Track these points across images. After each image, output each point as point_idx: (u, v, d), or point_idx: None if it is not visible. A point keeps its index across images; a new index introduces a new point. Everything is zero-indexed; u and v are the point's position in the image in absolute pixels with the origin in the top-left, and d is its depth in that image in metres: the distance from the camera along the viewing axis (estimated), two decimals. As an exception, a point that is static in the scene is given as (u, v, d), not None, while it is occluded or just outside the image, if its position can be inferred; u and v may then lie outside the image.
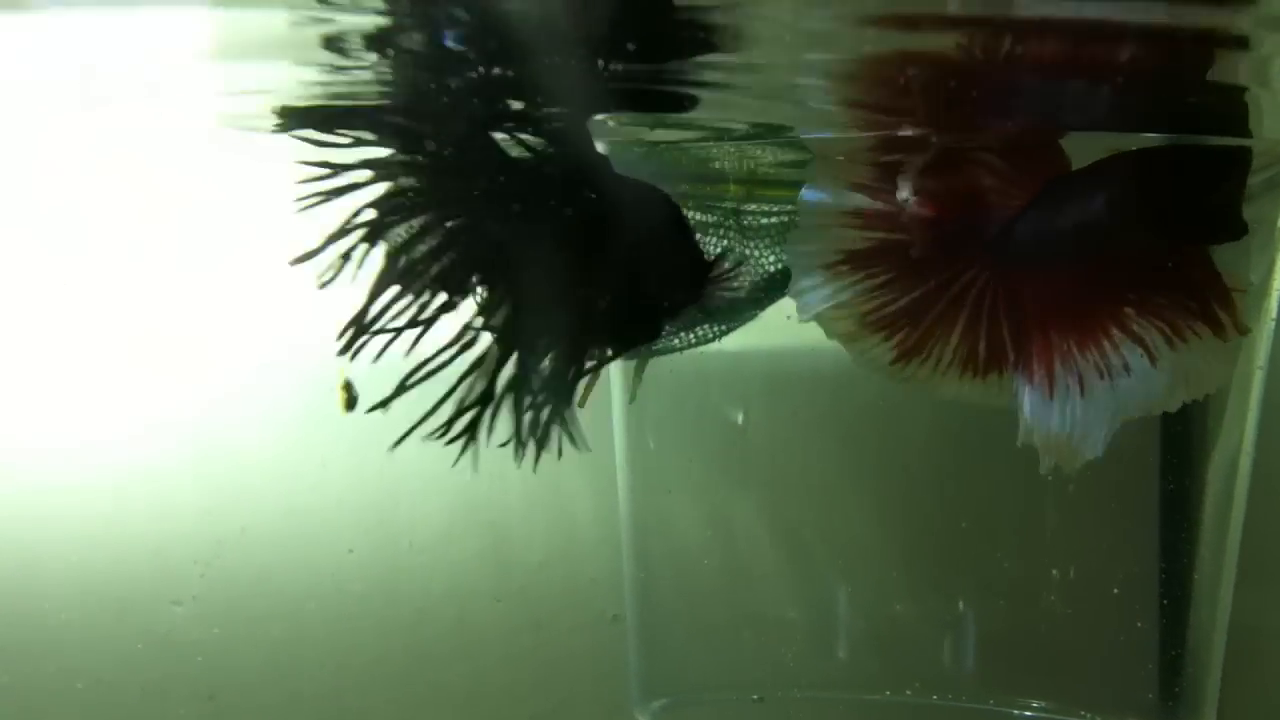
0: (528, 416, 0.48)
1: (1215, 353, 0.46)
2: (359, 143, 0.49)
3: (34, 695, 0.83)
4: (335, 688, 0.84)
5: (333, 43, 0.42)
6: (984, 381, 0.48)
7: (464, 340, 0.48)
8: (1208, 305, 0.45)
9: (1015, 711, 0.53)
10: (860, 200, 0.47)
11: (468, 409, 0.49)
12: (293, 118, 0.49)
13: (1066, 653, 0.54)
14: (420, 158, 0.48)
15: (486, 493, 0.85)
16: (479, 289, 0.48)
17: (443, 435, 0.50)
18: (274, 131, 0.52)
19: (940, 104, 0.44)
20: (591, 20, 0.39)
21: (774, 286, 0.57)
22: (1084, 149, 0.48)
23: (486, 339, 0.50)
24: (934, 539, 0.57)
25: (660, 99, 0.46)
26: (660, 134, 0.53)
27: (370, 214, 0.48)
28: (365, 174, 0.48)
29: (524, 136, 0.47)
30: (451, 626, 0.85)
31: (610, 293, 0.47)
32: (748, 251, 0.56)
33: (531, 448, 0.50)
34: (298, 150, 0.52)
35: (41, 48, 0.53)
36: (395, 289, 0.48)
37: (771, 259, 0.56)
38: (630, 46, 0.41)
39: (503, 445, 0.51)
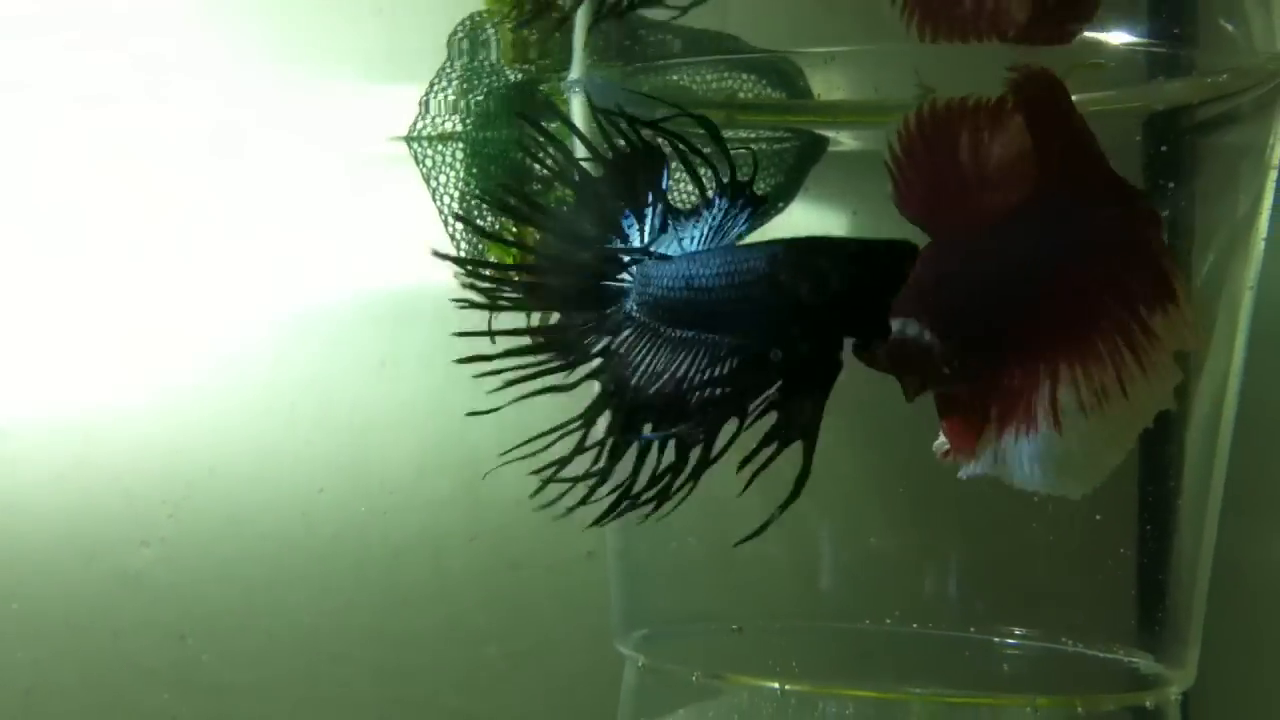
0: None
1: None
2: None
3: (3, 638, 0.82)
4: (309, 628, 0.84)
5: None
6: None
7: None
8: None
9: (996, 640, 0.52)
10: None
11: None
12: None
13: (1047, 580, 0.53)
14: None
15: (459, 432, 0.84)
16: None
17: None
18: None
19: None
20: None
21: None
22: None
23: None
24: (909, 467, 0.56)
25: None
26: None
27: None
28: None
29: None
30: (427, 566, 0.84)
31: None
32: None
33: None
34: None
35: None
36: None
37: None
38: None
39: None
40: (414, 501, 0.84)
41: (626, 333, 0.46)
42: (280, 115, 0.83)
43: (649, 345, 0.46)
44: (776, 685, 0.50)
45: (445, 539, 0.84)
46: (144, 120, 0.81)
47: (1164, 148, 0.49)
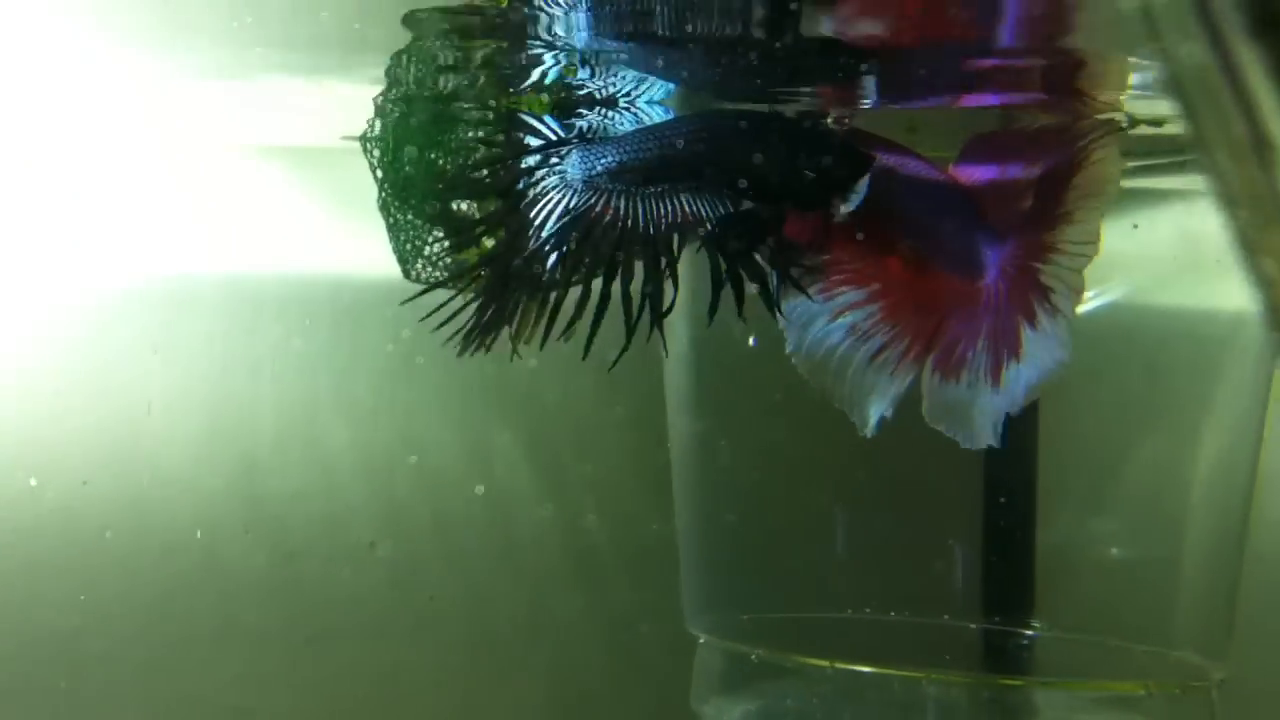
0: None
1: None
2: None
3: None
4: (72, 627, 0.80)
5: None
6: None
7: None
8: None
9: (1038, 633, 0.57)
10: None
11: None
12: None
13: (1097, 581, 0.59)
14: None
15: (235, 422, 0.82)
16: None
17: None
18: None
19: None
20: None
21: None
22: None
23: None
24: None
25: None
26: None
27: None
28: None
29: None
30: (199, 560, 0.82)
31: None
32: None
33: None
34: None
35: None
36: None
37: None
38: None
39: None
40: (187, 494, 0.82)
41: (594, 198, 0.52)
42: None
43: (625, 202, 0.51)
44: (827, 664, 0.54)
45: (220, 531, 0.82)
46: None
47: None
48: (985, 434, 0.51)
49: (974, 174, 0.54)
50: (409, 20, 0.54)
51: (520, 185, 0.52)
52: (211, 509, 0.82)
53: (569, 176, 0.52)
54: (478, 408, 0.85)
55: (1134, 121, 0.54)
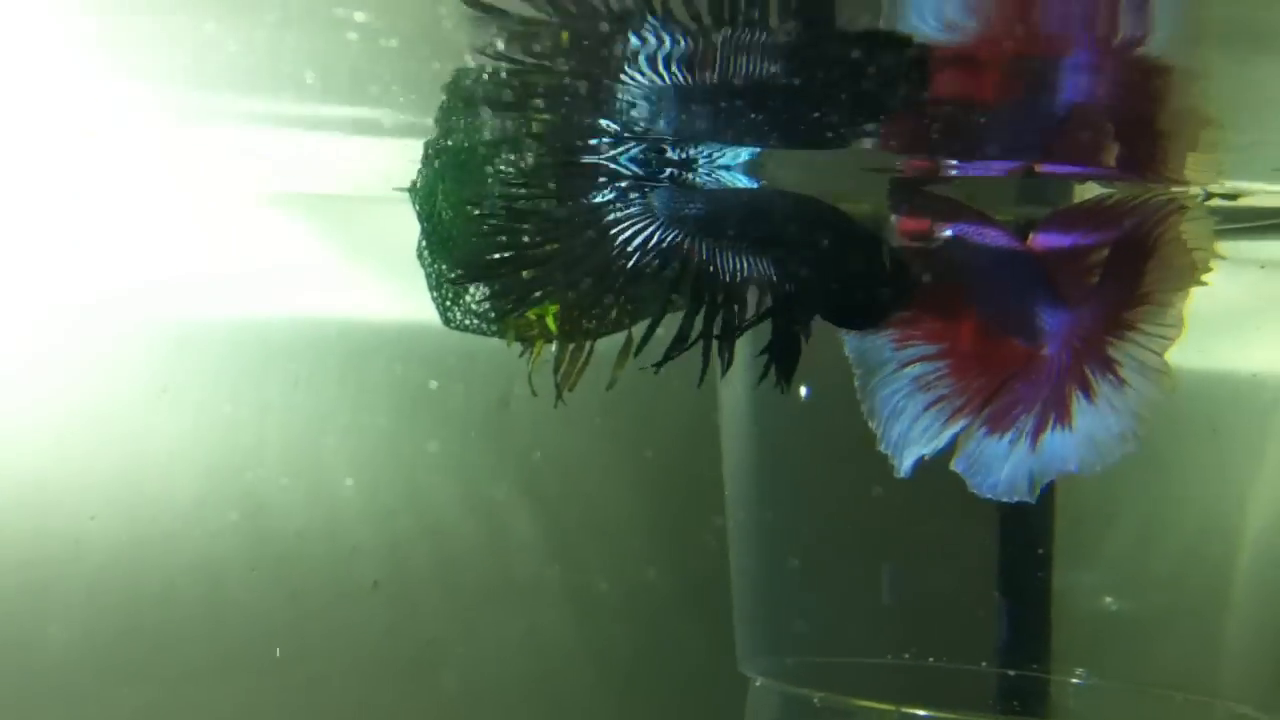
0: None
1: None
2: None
3: None
4: (74, 663, 0.79)
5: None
6: None
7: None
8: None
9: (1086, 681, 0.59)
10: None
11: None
12: None
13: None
14: None
15: (243, 460, 0.83)
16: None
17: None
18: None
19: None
20: None
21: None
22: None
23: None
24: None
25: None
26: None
27: None
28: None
29: None
30: (202, 596, 0.82)
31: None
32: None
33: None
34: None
35: None
36: None
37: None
38: None
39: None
40: (192, 530, 0.82)
41: (680, 235, 0.55)
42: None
43: (706, 247, 0.55)
44: (892, 708, 0.56)
45: (224, 568, 0.82)
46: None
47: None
48: (1018, 489, 0.54)
49: (1050, 245, 0.56)
50: (456, 79, 0.55)
51: (598, 211, 0.54)
52: (216, 547, 0.82)
53: (655, 209, 0.54)
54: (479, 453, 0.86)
55: (1209, 195, 0.57)
